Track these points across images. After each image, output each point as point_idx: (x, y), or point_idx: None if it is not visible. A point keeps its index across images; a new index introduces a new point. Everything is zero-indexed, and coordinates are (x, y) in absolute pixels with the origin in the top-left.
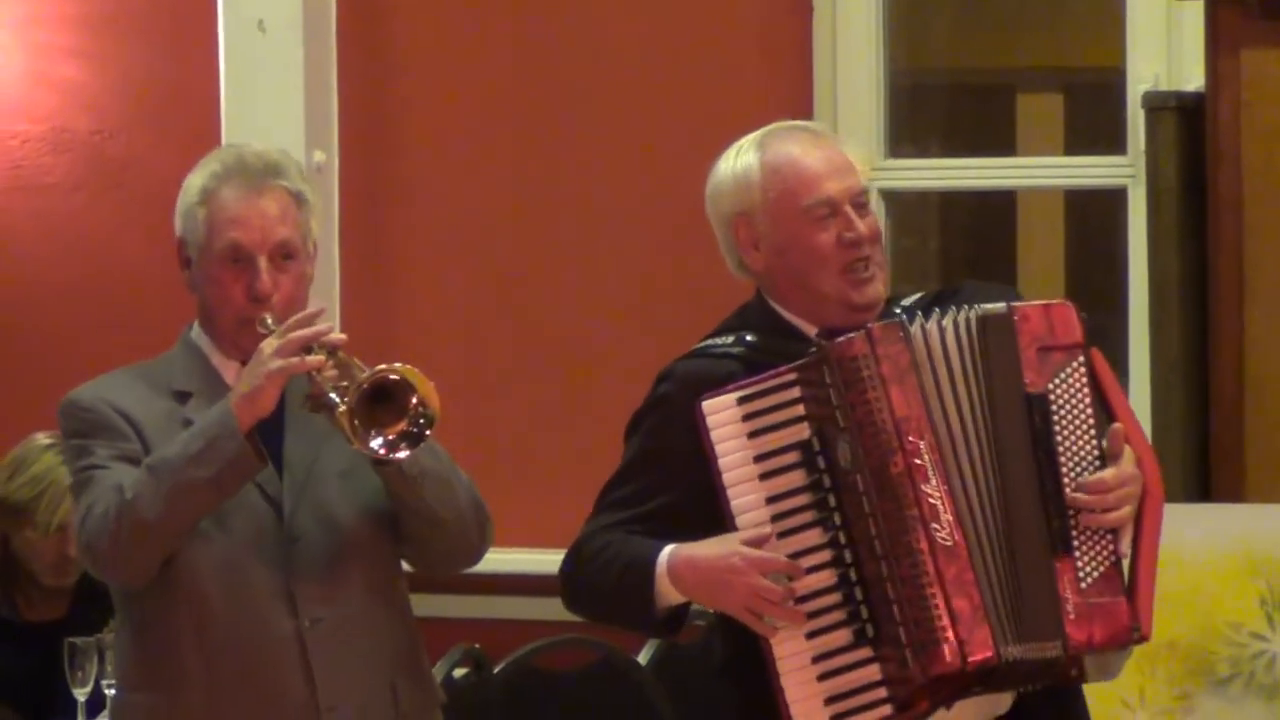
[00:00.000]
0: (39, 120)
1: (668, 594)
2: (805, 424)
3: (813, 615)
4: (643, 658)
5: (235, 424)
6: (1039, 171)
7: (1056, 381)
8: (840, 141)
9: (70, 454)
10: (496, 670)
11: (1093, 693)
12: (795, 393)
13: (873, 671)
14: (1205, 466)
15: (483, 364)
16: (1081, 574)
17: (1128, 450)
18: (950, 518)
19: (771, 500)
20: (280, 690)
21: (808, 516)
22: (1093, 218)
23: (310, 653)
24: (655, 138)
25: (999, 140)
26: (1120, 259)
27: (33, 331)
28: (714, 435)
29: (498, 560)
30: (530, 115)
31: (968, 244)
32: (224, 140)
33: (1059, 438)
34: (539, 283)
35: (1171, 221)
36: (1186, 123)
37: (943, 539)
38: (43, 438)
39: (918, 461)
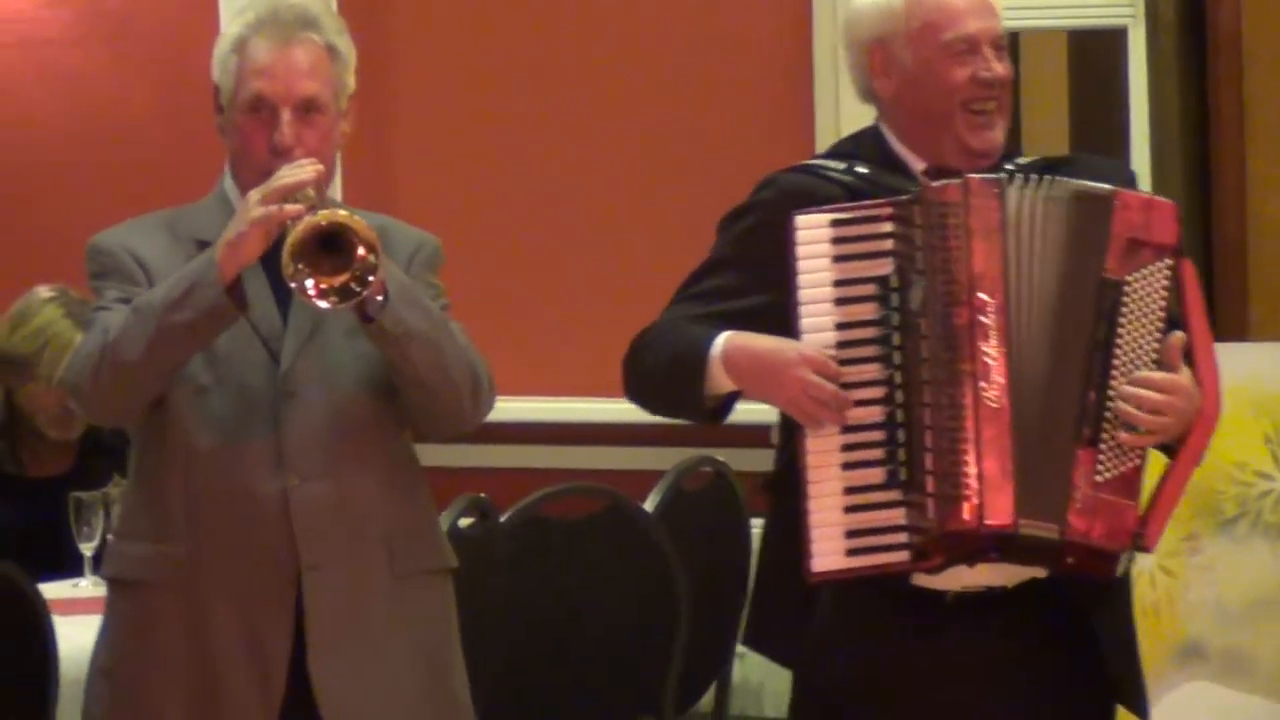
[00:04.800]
0: None
1: (719, 380)
2: (889, 260)
3: (853, 448)
4: (649, 504)
5: (216, 272)
6: (1041, 12)
7: (1136, 275)
8: None
9: (94, 296)
10: (503, 519)
11: None
12: (887, 227)
13: (897, 515)
14: (1209, 306)
15: (481, 216)
16: (1100, 468)
17: (1186, 370)
18: (1002, 380)
19: (840, 327)
20: (259, 546)
21: (870, 351)
22: (1094, 57)
23: (293, 511)
24: None
25: None
26: (1122, 98)
27: (36, 188)
28: (800, 250)
29: (503, 409)
30: None
31: None
32: None
33: (1121, 330)
34: (537, 134)
35: (1171, 59)
36: None
37: (989, 399)
38: (44, 291)
39: (982, 319)
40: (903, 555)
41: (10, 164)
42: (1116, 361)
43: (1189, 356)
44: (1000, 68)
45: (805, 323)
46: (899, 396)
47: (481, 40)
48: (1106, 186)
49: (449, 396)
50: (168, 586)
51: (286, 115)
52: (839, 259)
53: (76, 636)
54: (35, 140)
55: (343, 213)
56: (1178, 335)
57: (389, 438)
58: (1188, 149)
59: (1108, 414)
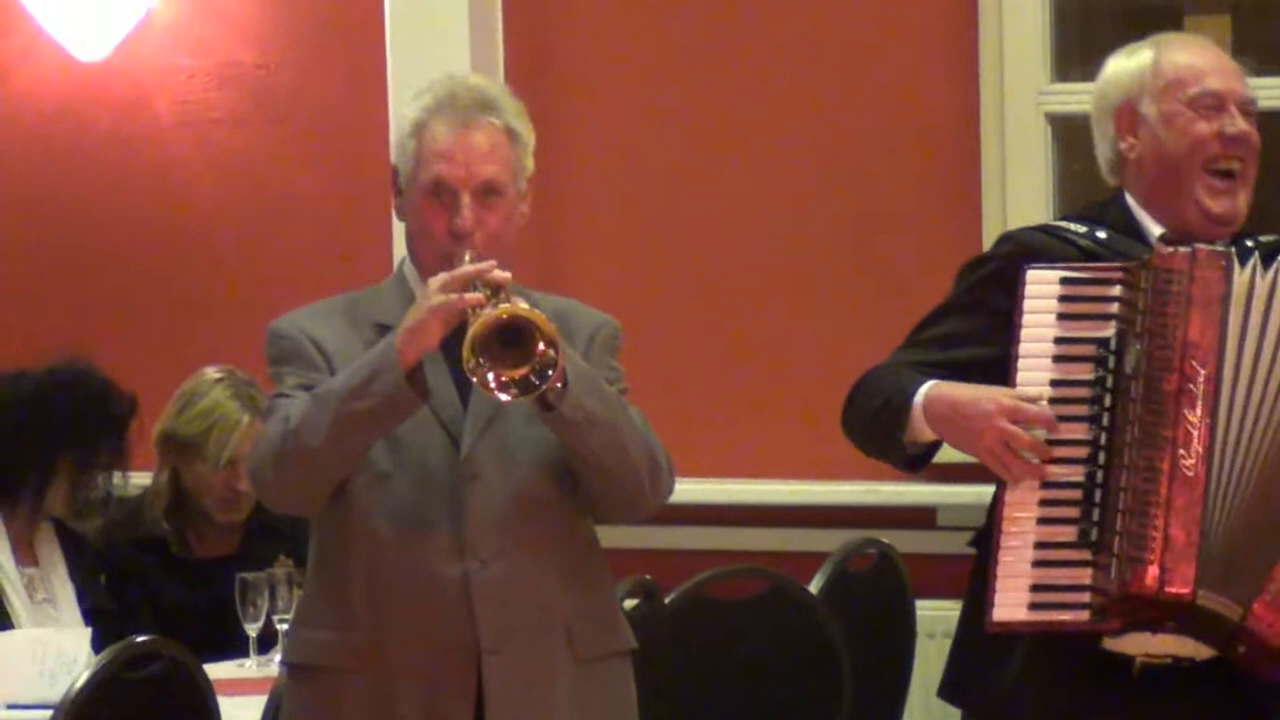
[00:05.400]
0: (204, 55)
1: (920, 428)
2: (1113, 323)
3: (1050, 504)
4: (814, 586)
5: (397, 358)
6: None
7: None
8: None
9: (273, 381)
10: (667, 600)
11: None
12: (1115, 291)
13: (1083, 574)
14: None
15: (654, 297)
16: None
17: None
18: (1201, 450)
19: (1055, 384)
20: (441, 631)
21: (1081, 410)
22: (1264, 139)
23: (474, 595)
24: (825, 68)
25: None
26: None
27: (203, 269)
28: (1027, 304)
29: None
30: (702, 49)
31: None
32: (390, 71)
33: None
34: (709, 214)
35: None
36: None
37: (1186, 467)
38: (212, 372)
39: (1190, 387)
40: (1082, 614)
41: (178, 245)
42: None
43: None
44: (1246, 125)
45: (1021, 376)
46: (1102, 458)
47: (651, 119)
48: None
49: (628, 481)
50: (350, 672)
51: (466, 199)
52: (1063, 317)
53: (242, 716)
54: (203, 221)
55: (524, 305)
56: None
57: (569, 521)
58: None
59: None
